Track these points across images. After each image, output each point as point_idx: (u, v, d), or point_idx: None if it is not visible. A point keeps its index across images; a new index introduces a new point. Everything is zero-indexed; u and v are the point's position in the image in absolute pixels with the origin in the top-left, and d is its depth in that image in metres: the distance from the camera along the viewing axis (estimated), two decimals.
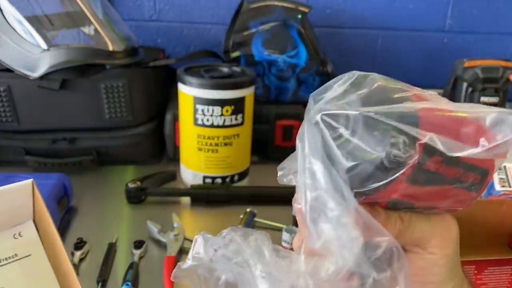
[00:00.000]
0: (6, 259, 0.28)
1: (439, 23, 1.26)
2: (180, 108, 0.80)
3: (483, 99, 1.01)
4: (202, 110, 0.75)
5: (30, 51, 0.80)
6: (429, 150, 0.24)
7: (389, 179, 0.24)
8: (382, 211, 0.28)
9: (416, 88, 0.27)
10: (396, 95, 0.25)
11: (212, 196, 0.78)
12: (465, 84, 1.02)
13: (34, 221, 0.30)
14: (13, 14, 0.80)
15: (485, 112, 0.26)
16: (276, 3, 0.97)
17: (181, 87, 0.77)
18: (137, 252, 0.63)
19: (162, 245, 0.66)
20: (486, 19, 1.26)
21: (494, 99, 1.01)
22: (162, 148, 0.94)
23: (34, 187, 0.29)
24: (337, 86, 0.26)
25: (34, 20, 0.82)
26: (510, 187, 0.74)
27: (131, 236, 0.68)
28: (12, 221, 0.29)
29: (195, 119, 0.76)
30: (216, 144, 0.78)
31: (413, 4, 1.23)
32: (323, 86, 0.26)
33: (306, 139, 0.25)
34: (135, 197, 0.77)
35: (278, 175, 0.31)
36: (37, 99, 0.82)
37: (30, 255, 0.29)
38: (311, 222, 0.25)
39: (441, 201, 0.27)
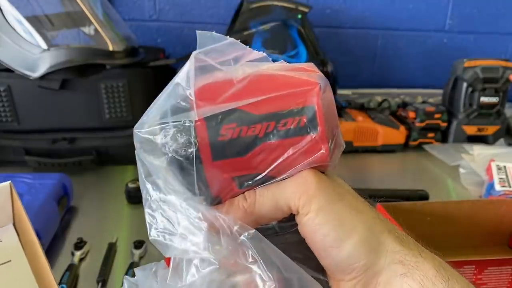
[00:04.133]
0: None
1: (439, 23, 1.26)
2: None
3: (483, 99, 1.01)
4: None
5: (30, 51, 0.80)
6: (212, 123, 0.24)
7: (198, 169, 0.25)
8: (227, 202, 0.27)
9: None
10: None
11: None
12: (465, 84, 1.02)
13: (14, 225, 0.28)
14: (13, 14, 0.80)
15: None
16: (276, 3, 0.97)
17: None
18: (137, 252, 0.63)
19: None
20: (486, 19, 1.27)
21: (494, 99, 1.01)
22: None
23: (12, 189, 0.27)
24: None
25: (34, 20, 0.82)
26: (510, 187, 0.74)
27: (131, 236, 0.68)
28: None
29: None
30: None
31: (413, 4, 1.23)
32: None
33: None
34: (135, 197, 0.77)
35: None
36: (37, 99, 0.82)
37: (10, 261, 0.27)
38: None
39: (283, 158, 0.25)
